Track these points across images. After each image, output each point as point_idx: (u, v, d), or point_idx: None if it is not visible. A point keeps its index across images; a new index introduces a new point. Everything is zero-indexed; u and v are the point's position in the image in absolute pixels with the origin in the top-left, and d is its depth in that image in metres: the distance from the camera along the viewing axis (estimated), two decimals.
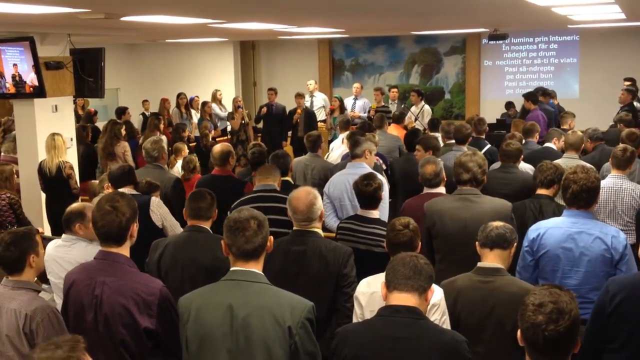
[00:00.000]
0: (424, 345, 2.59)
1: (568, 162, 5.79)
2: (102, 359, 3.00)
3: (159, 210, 4.95)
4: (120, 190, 5.00)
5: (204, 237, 3.94)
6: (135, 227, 3.17)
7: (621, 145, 5.51)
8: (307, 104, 12.03)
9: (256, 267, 2.82)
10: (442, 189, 4.85)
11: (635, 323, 3.03)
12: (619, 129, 7.93)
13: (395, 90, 12.27)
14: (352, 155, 5.66)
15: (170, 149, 8.48)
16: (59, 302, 4.13)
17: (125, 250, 3.15)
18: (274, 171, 5.11)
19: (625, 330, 3.05)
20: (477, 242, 3.46)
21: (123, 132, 8.70)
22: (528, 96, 10.15)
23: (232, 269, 2.83)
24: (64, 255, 4.06)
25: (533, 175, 4.87)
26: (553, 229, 3.85)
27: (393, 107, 11.66)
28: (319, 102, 12.13)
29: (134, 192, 5.04)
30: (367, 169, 5.44)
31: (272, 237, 2.89)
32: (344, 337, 2.76)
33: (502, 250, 3.37)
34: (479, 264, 3.40)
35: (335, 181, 5.53)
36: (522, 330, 2.26)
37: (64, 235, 4.17)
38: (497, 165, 5.85)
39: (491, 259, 3.37)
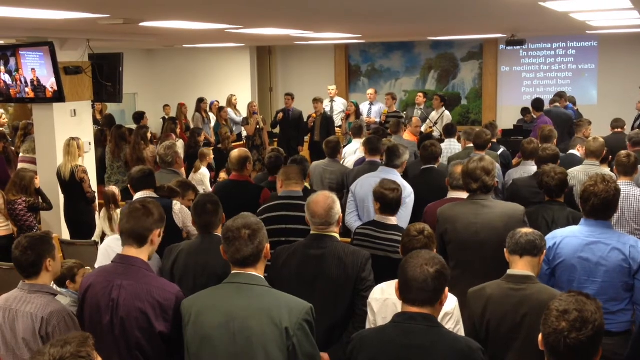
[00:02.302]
0: (437, 353, 2.57)
1: (589, 169, 5.76)
2: None
3: (181, 213, 4.99)
4: (140, 193, 5.05)
5: (216, 245, 3.93)
6: (158, 233, 3.20)
7: (624, 152, 5.43)
8: (327, 108, 12.07)
9: (255, 271, 2.85)
10: (465, 195, 4.81)
11: None
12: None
13: (421, 95, 11.92)
14: (391, 165, 5.61)
15: (186, 153, 8.54)
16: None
17: (144, 254, 3.17)
18: (299, 175, 5.00)
19: None
20: (505, 249, 3.41)
21: (149, 135, 8.78)
22: (532, 104, 10.31)
23: (232, 272, 2.89)
24: (116, 247, 4.06)
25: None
26: (570, 238, 3.81)
27: (418, 113, 11.60)
28: (339, 107, 12.16)
29: (155, 195, 5.05)
30: (398, 176, 5.47)
31: (268, 246, 2.91)
32: (359, 343, 2.75)
33: (532, 257, 3.32)
34: (509, 272, 3.35)
35: (363, 182, 5.52)
36: (544, 335, 2.24)
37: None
38: (527, 170, 5.83)
39: (521, 266, 3.31)
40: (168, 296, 3.05)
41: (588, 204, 3.76)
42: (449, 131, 8.22)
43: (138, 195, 5.01)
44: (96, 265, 4.22)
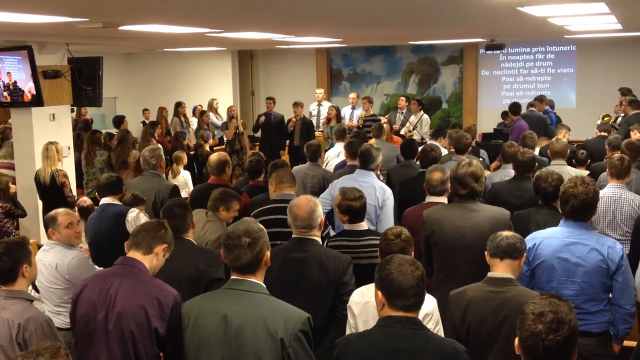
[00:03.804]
0: (425, 356, 2.58)
1: (556, 169, 5.83)
2: (106, 357, 3.01)
3: (135, 221, 4.98)
4: (104, 200, 5.20)
5: (187, 250, 3.93)
6: (162, 250, 3.27)
7: (618, 155, 5.49)
8: (314, 112, 12.08)
9: (254, 278, 2.83)
10: (444, 200, 4.82)
11: None
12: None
13: (403, 99, 12.01)
14: (367, 168, 5.60)
15: (169, 157, 8.49)
16: (38, 307, 4.14)
17: (147, 261, 3.22)
18: (291, 179, 5.00)
19: None
20: (486, 252, 3.45)
21: (135, 140, 8.77)
22: (509, 108, 10.57)
23: (231, 278, 2.87)
24: (43, 258, 4.21)
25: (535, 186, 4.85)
26: (549, 238, 3.85)
27: (399, 117, 11.65)
28: (326, 111, 12.15)
29: (117, 202, 5.15)
30: (375, 179, 5.49)
31: (268, 253, 2.89)
32: (344, 348, 2.74)
33: (512, 260, 3.35)
34: (490, 274, 3.37)
35: (344, 185, 5.50)
36: (520, 339, 2.26)
37: (46, 241, 4.35)
38: (507, 174, 5.88)
39: (502, 269, 3.35)
40: (167, 295, 3.08)
41: (567, 205, 3.80)
42: (436, 134, 8.29)
43: (104, 201, 5.24)
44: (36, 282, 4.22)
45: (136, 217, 5.04)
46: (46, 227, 4.36)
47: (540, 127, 9.68)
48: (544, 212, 4.66)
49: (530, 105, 10.93)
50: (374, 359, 2.63)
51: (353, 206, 4.21)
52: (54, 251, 4.24)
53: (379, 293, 2.70)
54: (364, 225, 4.32)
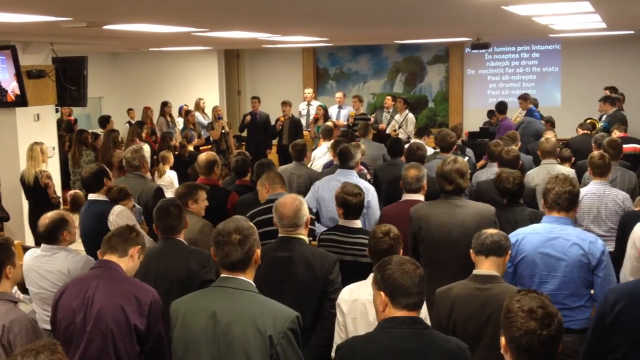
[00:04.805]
0: (433, 355, 2.58)
1: (548, 168, 5.92)
2: (86, 357, 3.02)
3: (118, 220, 4.85)
4: (91, 196, 5.12)
5: (179, 250, 3.92)
6: (136, 252, 3.33)
7: (597, 153, 5.54)
8: (304, 112, 12.08)
9: (244, 276, 2.82)
10: (420, 197, 4.83)
11: (637, 332, 3.04)
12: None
13: (390, 98, 11.96)
14: (346, 166, 5.64)
15: (156, 157, 8.46)
16: (39, 312, 4.10)
17: (123, 263, 3.27)
18: (282, 179, 5.05)
19: (626, 339, 3.06)
20: (471, 250, 3.48)
21: (121, 139, 8.71)
22: (496, 107, 10.60)
23: (221, 275, 2.86)
24: (44, 265, 4.06)
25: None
26: (532, 234, 3.90)
27: (386, 116, 11.66)
28: (315, 111, 12.14)
29: (102, 198, 5.06)
30: (356, 177, 5.52)
31: (259, 251, 2.88)
32: (349, 352, 2.70)
33: (497, 258, 3.39)
34: (475, 272, 3.40)
35: (325, 185, 5.52)
36: (512, 338, 2.24)
37: (43, 246, 4.14)
38: (493, 172, 5.92)
39: (487, 266, 3.38)
40: (144, 292, 3.13)
41: (549, 195, 3.89)
42: (420, 132, 8.31)
43: (90, 197, 5.16)
44: (28, 287, 4.14)
45: (120, 212, 4.94)
46: (54, 232, 4.08)
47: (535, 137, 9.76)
48: (512, 210, 4.73)
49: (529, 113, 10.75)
50: None
51: (348, 201, 4.27)
52: (60, 256, 4.07)
53: (382, 294, 2.67)
54: (358, 224, 4.36)
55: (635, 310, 3.04)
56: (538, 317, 2.20)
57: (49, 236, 4.08)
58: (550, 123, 9.83)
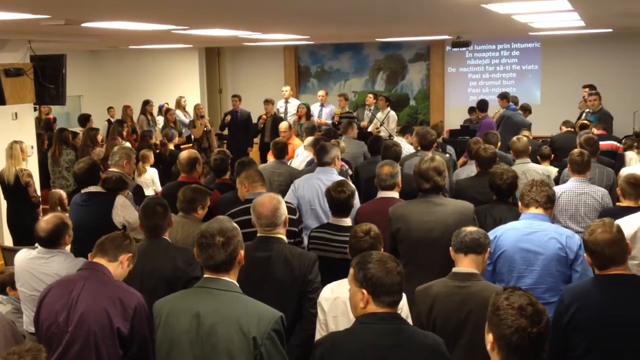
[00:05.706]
0: (413, 350, 2.60)
1: (521, 167, 5.95)
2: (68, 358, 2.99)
3: (122, 212, 4.89)
4: (86, 190, 5.06)
5: (164, 248, 3.90)
6: (127, 259, 3.32)
7: (577, 150, 5.58)
8: (282, 109, 12.05)
9: (228, 277, 2.82)
10: (395, 194, 4.83)
11: (593, 331, 3.08)
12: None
13: (371, 96, 11.93)
14: (321, 162, 5.64)
15: (135, 156, 8.39)
16: (27, 315, 4.04)
17: (112, 268, 3.26)
18: (262, 177, 4.96)
19: (584, 338, 3.10)
20: (451, 247, 3.49)
21: (100, 138, 8.65)
22: (477, 105, 10.75)
23: (204, 276, 2.85)
24: (41, 267, 3.96)
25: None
26: (510, 230, 3.97)
27: (367, 114, 11.67)
28: (293, 108, 12.09)
29: (100, 190, 4.99)
30: (336, 174, 5.51)
31: (242, 252, 2.88)
32: (331, 347, 2.69)
33: (476, 255, 3.40)
34: (454, 269, 3.41)
35: (305, 184, 5.49)
36: (502, 336, 2.21)
37: (40, 248, 4.03)
38: (473, 170, 5.94)
39: (466, 264, 3.40)
40: (130, 296, 3.11)
41: (525, 199, 3.99)
42: (403, 131, 8.32)
43: (90, 190, 5.09)
44: (20, 288, 4.06)
45: (123, 202, 4.92)
46: (57, 236, 3.97)
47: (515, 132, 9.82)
48: (499, 207, 4.76)
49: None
50: (363, 357, 2.61)
51: (334, 198, 4.31)
52: (58, 260, 3.95)
53: (364, 291, 2.67)
54: (348, 222, 4.37)
55: (590, 311, 3.09)
56: (528, 314, 2.19)
57: (51, 240, 3.96)
58: (528, 111, 9.90)
